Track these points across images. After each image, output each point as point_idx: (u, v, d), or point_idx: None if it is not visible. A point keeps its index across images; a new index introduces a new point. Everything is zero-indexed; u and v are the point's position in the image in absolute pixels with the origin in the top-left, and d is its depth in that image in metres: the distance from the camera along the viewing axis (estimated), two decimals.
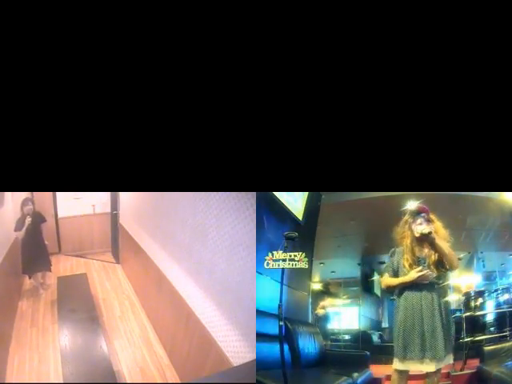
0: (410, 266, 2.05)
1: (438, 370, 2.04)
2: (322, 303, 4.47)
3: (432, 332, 1.98)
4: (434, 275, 2.04)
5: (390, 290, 2.24)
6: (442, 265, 2.04)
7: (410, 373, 2.07)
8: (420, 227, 2.05)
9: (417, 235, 2.06)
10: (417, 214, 2.10)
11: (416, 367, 2.02)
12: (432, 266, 2.04)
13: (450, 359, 2.04)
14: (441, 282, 2.06)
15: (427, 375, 2.05)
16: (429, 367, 2.00)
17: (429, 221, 2.08)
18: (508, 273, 4.03)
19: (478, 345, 3.30)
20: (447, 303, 2.08)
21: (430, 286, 2.03)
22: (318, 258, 4.16)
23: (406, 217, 2.13)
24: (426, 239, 2.05)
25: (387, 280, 2.16)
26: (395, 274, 2.13)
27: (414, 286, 2.04)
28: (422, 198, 2.15)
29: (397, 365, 2.05)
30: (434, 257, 2.04)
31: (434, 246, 2.03)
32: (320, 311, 4.45)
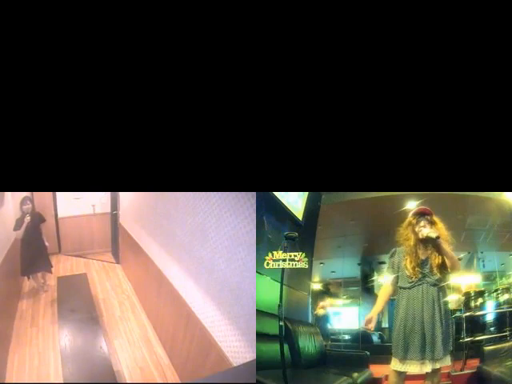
0: (413, 269, 2.06)
1: (438, 371, 2.04)
2: (321, 303, 4.46)
3: (432, 333, 1.99)
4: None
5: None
6: (445, 267, 2.04)
7: (408, 373, 2.07)
8: (425, 230, 2.05)
9: (421, 237, 2.06)
10: (420, 215, 2.09)
11: (415, 368, 2.02)
12: (435, 268, 2.05)
13: (448, 360, 2.04)
14: (442, 283, 2.07)
15: (426, 376, 2.06)
16: (426, 368, 2.00)
17: (432, 223, 2.07)
18: (508, 273, 4.03)
19: (478, 345, 3.30)
20: (447, 304, 2.09)
21: (432, 287, 2.04)
22: (317, 257, 4.15)
23: (410, 218, 2.12)
24: (429, 241, 2.05)
25: (380, 293, 2.23)
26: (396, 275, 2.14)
27: (415, 287, 2.05)
28: (422, 198, 2.15)
29: (396, 366, 2.06)
30: (437, 259, 2.05)
31: (439, 249, 2.03)
32: (320, 311, 4.44)
